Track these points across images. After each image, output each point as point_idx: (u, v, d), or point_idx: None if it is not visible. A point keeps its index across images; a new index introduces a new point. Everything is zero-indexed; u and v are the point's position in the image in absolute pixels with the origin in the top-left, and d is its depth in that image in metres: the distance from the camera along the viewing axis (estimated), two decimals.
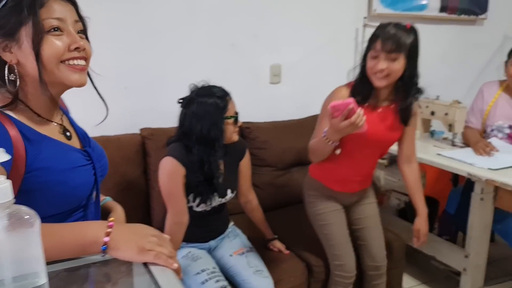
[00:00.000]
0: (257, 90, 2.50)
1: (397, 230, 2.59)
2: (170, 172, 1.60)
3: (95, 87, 1.05)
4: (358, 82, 1.69)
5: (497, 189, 2.10)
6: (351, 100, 1.45)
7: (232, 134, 1.68)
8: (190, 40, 2.26)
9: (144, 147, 2.07)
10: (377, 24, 2.58)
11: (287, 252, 1.95)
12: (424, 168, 2.48)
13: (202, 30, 2.28)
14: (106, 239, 0.85)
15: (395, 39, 1.58)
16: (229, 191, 1.76)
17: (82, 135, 1.10)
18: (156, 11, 2.16)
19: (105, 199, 1.20)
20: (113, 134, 2.01)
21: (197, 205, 1.69)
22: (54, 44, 0.91)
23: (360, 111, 1.46)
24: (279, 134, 2.34)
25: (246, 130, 2.31)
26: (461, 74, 3.18)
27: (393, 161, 2.56)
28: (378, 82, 1.63)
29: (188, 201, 1.67)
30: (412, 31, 1.64)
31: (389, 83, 1.65)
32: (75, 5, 0.97)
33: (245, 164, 1.87)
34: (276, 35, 2.50)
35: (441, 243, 2.37)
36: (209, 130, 1.59)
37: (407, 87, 1.68)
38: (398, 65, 1.61)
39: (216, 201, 1.72)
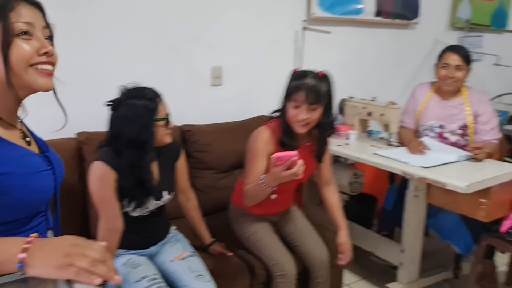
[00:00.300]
0: (198, 92, 2.48)
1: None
2: (100, 177, 1.56)
3: (55, 93, 1.05)
4: (283, 127, 1.80)
5: (430, 186, 2.21)
6: (295, 153, 1.54)
7: (163, 137, 1.66)
8: (129, 42, 2.21)
9: (80, 152, 2.00)
10: (316, 27, 2.68)
11: (230, 253, 1.95)
12: (362, 167, 2.57)
13: (140, 32, 2.23)
14: (22, 255, 0.78)
15: (316, 91, 1.72)
16: (165, 193, 1.73)
17: (39, 141, 1.11)
18: (93, 11, 2.08)
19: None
20: (48, 138, 1.91)
21: (133, 210, 1.65)
22: (23, 48, 0.93)
23: (301, 162, 1.54)
24: (221, 136, 2.33)
25: (187, 133, 2.29)
26: (396, 76, 3.32)
27: (335, 160, 2.64)
28: (300, 129, 1.77)
29: (123, 206, 1.63)
30: (326, 78, 1.79)
31: (309, 129, 1.80)
32: (42, 12, 0.99)
33: (181, 164, 1.86)
34: (217, 37, 2.49)
35: (379, 239, 2.47)
36: (139, 133, 1.57)
37: (323, 130, 1.86)
38: (318, 114, 1.77)
39: (152, 204, 1.69)
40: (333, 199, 2.07)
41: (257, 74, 2.65)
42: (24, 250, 0.79)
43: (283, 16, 2.71)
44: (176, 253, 1.76)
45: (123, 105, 1.59)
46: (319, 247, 2.02)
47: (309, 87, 1.71)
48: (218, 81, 2.54)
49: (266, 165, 1.75)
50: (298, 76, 1.77)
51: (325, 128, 1.85)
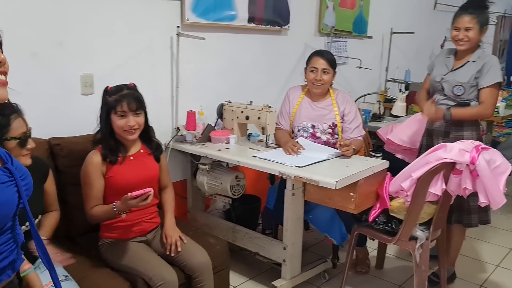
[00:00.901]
0: (67, 102, 2.32)
1: (223, 231, 2.70)
2: None
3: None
4: (107, 142, 1.97)
5: (305, 184, 2.33)
6: (151, 189, 1.77)
7: (19, 158, 1.51)
8: None
9: None
10: (191, 33, 2.68)
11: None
12: (244, 169, 2.63)
13: None
14: None
15: (136, 98, 1.96)
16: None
17: (1, 152, 1.04)
18: None
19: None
20: None
21: None
22: None
23: (151, 192, 1.78)
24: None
25: (56, 147, 2.12)
26: (271, 80, 3.46)
27: (215, 165, 2.66)
28: (131, 136, 1.98)
29: None
30: (135, 88, 2.03)
31: (138, 135, 2.02)
32: None
33: (50, 185, 1.76)
34: (86, 43, 2.35)
35: (263, 239, 2.54)
36: None
37: (149, 133, 2.11)
38: (143, 119, 2.00)
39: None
40: (167, 202, 2.21)
41: (131, 81, 2.54)
42: None
43: (157, 22, 2.65)
44: (46, 280, 1.62)
45: None
46: (198, 252, 2.04)
47: (130, 96, 1.94)
48: (89, 90, 2.40)
49: (103, 184, 1.96)
50: (114, 91, 1.95)
51: (150, 130, 2.12)
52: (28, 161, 1.54)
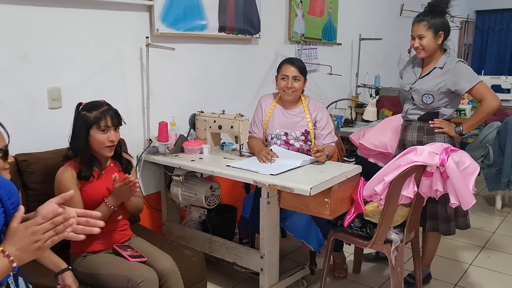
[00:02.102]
0: (33, 117, 2.25)
1: (199, 243, 2.67)
2: None
3: None
4: (85, 158, 1.98)
5: (280, 192, 2.33)
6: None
7: (1, 172, 1.46)
8: None
9: None
10: (161, 44, 2.65)
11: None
12: (218, 179, 2.61)
13: None
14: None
15: (116, 114, 2.02)
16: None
17: None
18: None
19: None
20: None
21: None
22: None
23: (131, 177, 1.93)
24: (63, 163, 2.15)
25: (22, 163, 2.06)
26: (243, 88, 3.46)
27: (189, 176, 2.63)
28: (110, 153, 2.03)
29: None
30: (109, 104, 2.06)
31: None
32: None
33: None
34: (51, 56, 2.29)
35: (240, 249, 2.52)
36: None
37: (120, 148, 2.13)
38: (119, 134, 2.05)
39: None
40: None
41: (101, 93, 2.50)
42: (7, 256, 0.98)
43: (126, 33, 2.62)
44: None
45: None
46: (162, 257, 2.03)
47: (111, 111, 2.00)
48: (57, 104, 2.34)
49: (79, 195, 1.96)
50: (92, 107, 1.98)
51: (121, 145, 2.16)
52: (8, 175, 1.49)
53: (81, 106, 2.01)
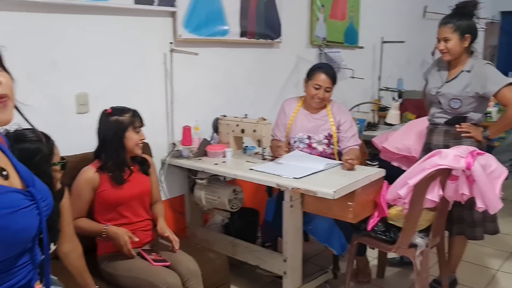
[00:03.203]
0: (62, 122, 2.32)
1: (222, 246, 2.69)
2: None
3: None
4: (120, 161, 2.08)
5: (303, 195, 2.33)
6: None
7: (56, 183, 1.56)
8: None
9: None
10: (184, 48, 2.69)
11: None
12: (241, 183, 2.63)
13: None
14: None
15: (140, 116, 2.14)
16: (51, 245, 1.56)
17: (24, 173, 1.03)
18: None
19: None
20: None
21: None
22: None
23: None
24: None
25: None
26: (265, 92, 3.47)
27: (212, 179, 2.65)
28: (140, 150, 2.13)
29: None
30: None
31: None
32: None
33: (66, 205, 1.71)
34: (79, 62, 2.35)
35: (263, 252, 2.53)
36: None
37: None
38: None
39: None
40: (156, 210, 2.28)
41: (126, 99, 2.55)
42: None
43: (150, 39, 2.67)
44: None
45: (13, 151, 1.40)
46: (186, 259, 2.07)
47: (138, 113, 2.12)
48: (84, 108, 2.40)
49: (91, 198, 2.06)
50: (122, 110, 2.09)
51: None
52: (59, 185, 1.56)
53: (108, 112, 2.08)
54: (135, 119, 2.09)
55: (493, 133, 2.50)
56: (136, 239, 2.00)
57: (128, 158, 2.13)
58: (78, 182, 2.05)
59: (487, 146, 2.83)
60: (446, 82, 2.51)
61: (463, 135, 2.48)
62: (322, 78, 2.62)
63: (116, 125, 2.05)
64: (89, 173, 2.05)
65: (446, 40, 2.43)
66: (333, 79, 2.65)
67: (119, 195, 2.06)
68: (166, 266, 1.99)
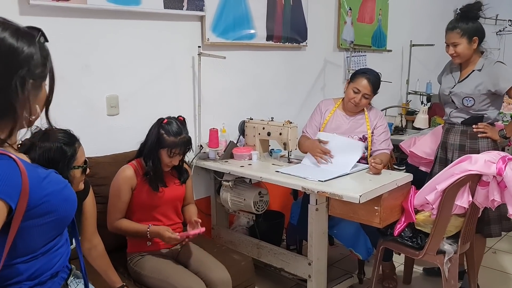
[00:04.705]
0: (93, 123, 2.38)
1: (247, 248, 2.70)
2: None
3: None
4: (153, 171, 2.08)
5: (329, 199, 2.33)
6: (203, 229, 2.04)
7: (78, 184, 1.59)
8: None
9: None
10: (212, 52, 2.73)
11: None
12: (267, 185, 2.64)
13: None
14: None
15: (190, 144, 2.11)
16: (73, 240, 1.61)
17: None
18: None
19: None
20: None
21: None
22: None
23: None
24: (119, 168, 2.25)
25: None
26: (291, 95, 3.48)
27: (238, 182, 2.67)
28: (166, 169, 2.13)
29: None
30: (185, 124, 2.17)
31: None
32: None
33: (90, 203, 1.76)
34: (110, 65, 2.42)
35: (287, 255, 2.53)
36: None
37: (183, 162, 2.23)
38: (183, 157, 2.20)
39: None
40: (188, 215, 2.25)
41: (154, 101, 2.62)
42: None
43: (179, 42, 2.72)
44: None
45: (35, 149, 1.44)
46: (218, 268, 2.07)
47: (187, 143, 2.08)
48: (114, 111, 2.46)
49: (129, 198, 2.07)
50: (174, 132, 2.04)
51: (182, 163, 2.24)
52: (82, 185, 1.60)
53: (162, 123, 2.06)
54: (176, 146, 2.03)
55: (510, 131, 2.49)
56: (177, 235, 1.99)
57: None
58: (117, 182, 2.06)
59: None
60: (459, 82, 2.56)
61: (479, 135, 2.50)
62: (363, 83, 2.62)
63: (158, 139, 2.04)
64: (128, 172, 2.07)
65: (455, 45, 2.50)
66: (375, 87, 2.64)
67: (155, 198, 2.09)
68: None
